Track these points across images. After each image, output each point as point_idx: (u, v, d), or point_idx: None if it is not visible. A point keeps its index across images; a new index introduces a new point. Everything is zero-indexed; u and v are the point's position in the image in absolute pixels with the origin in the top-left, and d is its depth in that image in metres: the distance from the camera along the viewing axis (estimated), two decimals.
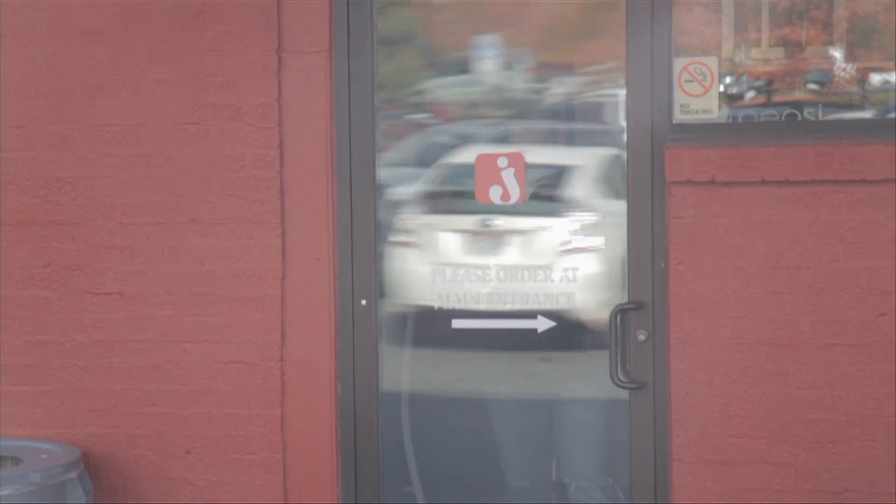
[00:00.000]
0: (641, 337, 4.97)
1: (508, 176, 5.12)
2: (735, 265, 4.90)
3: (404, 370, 5.04)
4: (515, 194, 5.12)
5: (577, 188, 5.31)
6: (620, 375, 4.98)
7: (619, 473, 5.20)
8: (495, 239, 5.28)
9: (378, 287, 5.18)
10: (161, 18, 5.17)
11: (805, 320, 4.88)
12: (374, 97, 5.15)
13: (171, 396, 5.23)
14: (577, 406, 5.35)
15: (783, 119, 4.93)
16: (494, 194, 5.13)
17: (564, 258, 5.21)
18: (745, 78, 4.94)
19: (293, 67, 5.12)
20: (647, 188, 4.98)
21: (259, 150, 5.13)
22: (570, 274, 5.17)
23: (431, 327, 5.30)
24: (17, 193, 5.27)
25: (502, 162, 5.11)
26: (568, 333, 5.20)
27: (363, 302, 5.11)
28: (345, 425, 5.19)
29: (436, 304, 5.25)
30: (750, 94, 4.96)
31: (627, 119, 4.99)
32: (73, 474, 4.95)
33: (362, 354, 5.16)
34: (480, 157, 5.14)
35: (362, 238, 5.13)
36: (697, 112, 4.92)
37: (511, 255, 5.24)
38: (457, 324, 5.21)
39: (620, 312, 4.97)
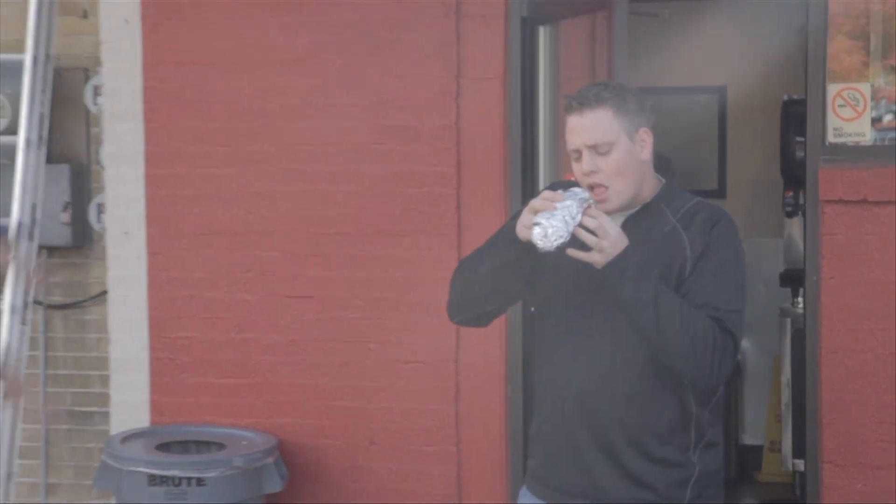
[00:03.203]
0: None
1: None
2: (885, 280, 4.98)
3: None
4: None
5: None
6: None
7: None
8: None
9: None
10: (351, 47, 5.40)
11: None
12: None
13: (356, 391, 5.45)
14: None
15: None
16: None
17: None
18: (884, 102, 5.00)
19: (470, 92, 5.30)
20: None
21: (438, 168, 5.34)
22: None
23: None
24: (222, 206, 5.53)
25: None
26: None
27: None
28: (514, 424, 5.34)
29: None
30: (888, 118, 5.01)
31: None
32: (271, 460, 5.21)
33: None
34: None
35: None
36: (850, 136, 5.01)
37: None
38: None
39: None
